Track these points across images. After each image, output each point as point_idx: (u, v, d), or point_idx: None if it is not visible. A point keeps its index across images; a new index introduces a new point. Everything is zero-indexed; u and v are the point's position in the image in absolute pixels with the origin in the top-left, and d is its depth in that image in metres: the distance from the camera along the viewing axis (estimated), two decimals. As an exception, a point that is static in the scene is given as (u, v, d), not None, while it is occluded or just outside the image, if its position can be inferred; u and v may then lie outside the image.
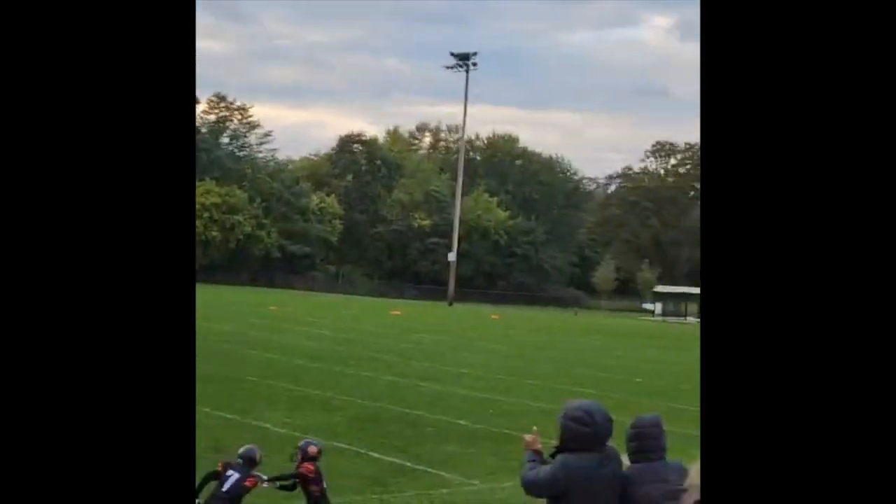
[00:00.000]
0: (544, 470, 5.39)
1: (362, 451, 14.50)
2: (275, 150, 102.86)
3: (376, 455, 14.30)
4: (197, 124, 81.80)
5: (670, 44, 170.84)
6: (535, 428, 5.74)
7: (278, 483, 8.65)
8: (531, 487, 5.47)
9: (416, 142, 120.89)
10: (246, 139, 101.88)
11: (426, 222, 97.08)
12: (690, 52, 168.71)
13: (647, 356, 36.36)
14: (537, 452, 5.52)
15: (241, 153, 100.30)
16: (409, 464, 13.42)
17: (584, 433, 5.25)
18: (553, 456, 5.43)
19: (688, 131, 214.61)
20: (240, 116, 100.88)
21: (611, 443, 5.44)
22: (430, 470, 13.40)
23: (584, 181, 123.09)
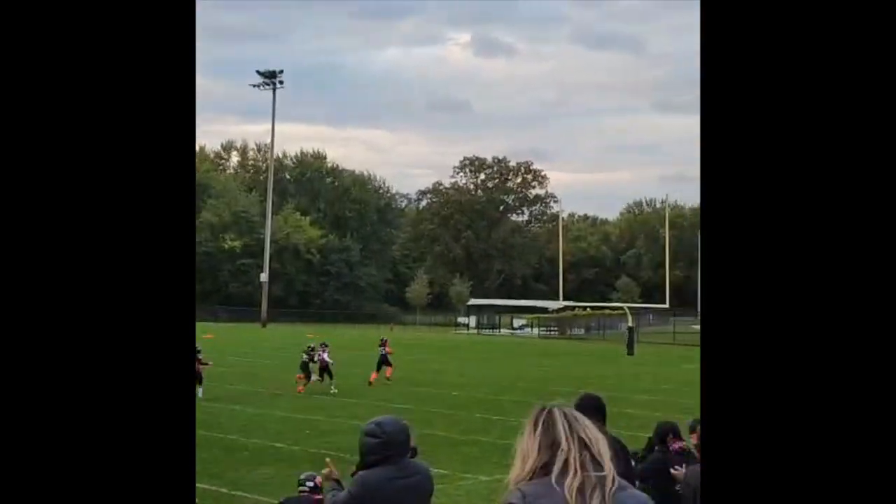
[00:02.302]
0: (342, 493, 5.42)
1: (175, 480, 14.01)
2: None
3: (190, 484, 13.84)
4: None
5: (469, 60, 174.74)
6: (327, 460, 5.83)
7: None
8: None
9: (223, 161, 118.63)
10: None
11: (236, 243, 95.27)
12: (487, 67, 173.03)
13: (462, 369, 36.81)
14: (337, 482, 5.59)
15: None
16: (224, 489, 13.05)
17: (374, 444, 5.28)
18: (353, 476, 5.46)
19: (493, 146, 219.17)
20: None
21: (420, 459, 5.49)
22: (246, 495, 13.08)
23: (397, 197, 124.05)
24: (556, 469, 3.09)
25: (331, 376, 26.82)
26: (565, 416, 3.20)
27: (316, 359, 27.16)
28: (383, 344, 30.28)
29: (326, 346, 27.85)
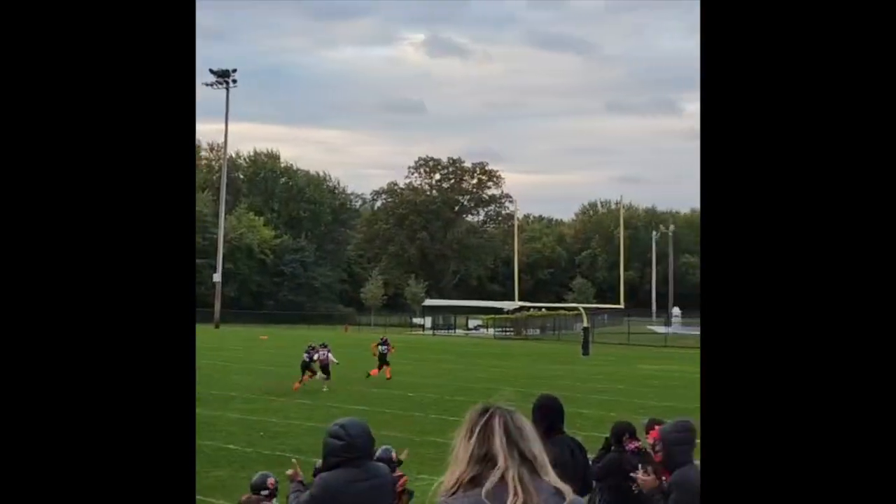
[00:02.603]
0: (304, 494, 5.42)
1: (126, 484, 13.80)
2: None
3: (141, 487, 13.64)
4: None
5: (423, 60, 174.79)
6: (293, 460, 5.80)
7: None
8: None
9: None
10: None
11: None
12: (441, 68, 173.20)
13: (417, 370, 36.74)
14: (301, 483, 5.57)
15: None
16: (177, 494, 12.85)
17: (338, 446, 5.28)
18: (314, 476, 5.46)
19: (448, 146, 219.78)
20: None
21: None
22: (200, 497, 12.91)
23: (351, 198, 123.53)
24: (488, 484, 2.86)
25: (326, 374, 28.24)
26: (505, 425, 2.96)
27: (316, 357, 28.31)
28: (384, 342, 31.99)
29: (327, 345, 29.23)
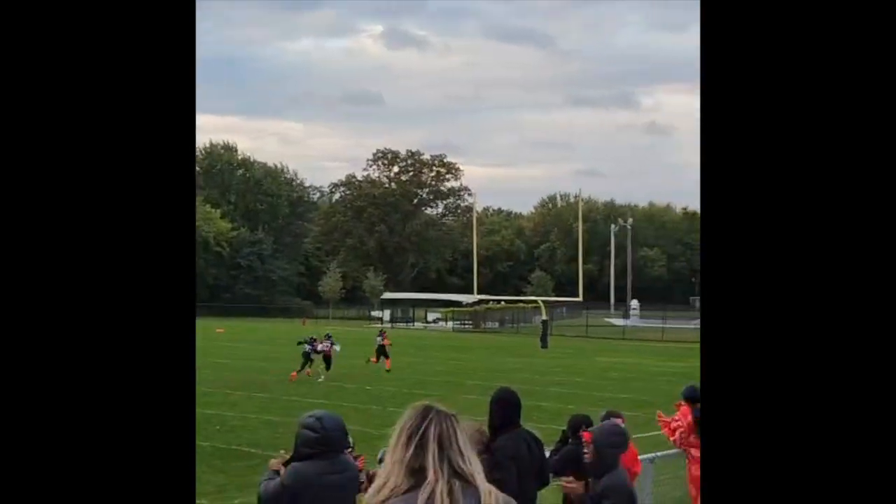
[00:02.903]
0: (275, 482, 5.45)
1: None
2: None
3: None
4: None
5: (382, 52, 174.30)
6: (282, 452, 5.82)
7: None
8: (263, 499, 5.53)
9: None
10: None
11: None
12: (400, 60, 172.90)
13: (376, 363, 36.70)
14: (277, 473, 5.59)
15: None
16: (131, 489, 12.71)
17: (312, 438, 5.30)
18: (286, 465, 5.48)
19: (406, 139, 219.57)
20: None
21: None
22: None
23: (309, 190, 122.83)
24: (420, 500, 2.94)
25: (328, 367, 29.09)
26: (439, 436, 3.04)
27: (320, 349, 29.18)
28: (381, 335, 33.74)
29: (330, 336, 30.29)
